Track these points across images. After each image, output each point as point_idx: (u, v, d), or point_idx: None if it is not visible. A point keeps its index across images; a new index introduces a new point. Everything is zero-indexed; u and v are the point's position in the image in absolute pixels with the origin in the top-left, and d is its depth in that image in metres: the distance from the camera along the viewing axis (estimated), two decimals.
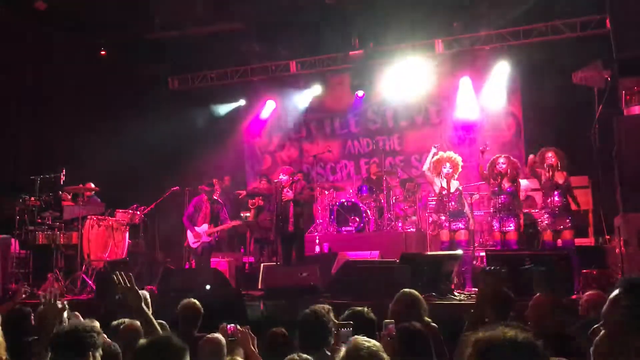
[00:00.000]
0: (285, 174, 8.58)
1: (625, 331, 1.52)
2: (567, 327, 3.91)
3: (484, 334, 1.57)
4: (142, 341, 2.69)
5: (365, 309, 3.80)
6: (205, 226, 9.00)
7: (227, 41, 12.10)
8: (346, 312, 3.76)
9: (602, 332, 1.58)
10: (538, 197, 8.62)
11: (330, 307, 3.76)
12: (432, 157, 8.15)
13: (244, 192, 9.39)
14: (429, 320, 4.19)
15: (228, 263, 9.72)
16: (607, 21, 9.06)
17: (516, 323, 3.73)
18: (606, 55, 8.08)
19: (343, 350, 2.17)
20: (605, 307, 1.60)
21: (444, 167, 7.91)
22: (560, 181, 7.25)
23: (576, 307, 4.37)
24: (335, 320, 3.81)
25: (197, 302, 4.74)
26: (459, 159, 8.13)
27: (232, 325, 4.02)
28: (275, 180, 8.73)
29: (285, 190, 8.44)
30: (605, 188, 7.75)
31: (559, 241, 7.26)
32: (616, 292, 1.59)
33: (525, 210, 8.30)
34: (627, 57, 7.35)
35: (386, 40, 11.56)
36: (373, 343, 2.19)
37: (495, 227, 7.68)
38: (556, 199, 7.21)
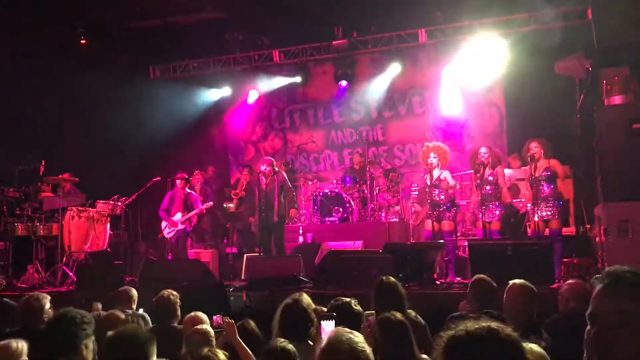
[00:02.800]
0: (267, 165, 8.59)
1: (613, 326, 1.51)
2: (540, 318, 3.93)
3: (451, 332, 1.55)
4: (110, 333, 2.67)
5: (352, 300, 3.74)
6: (178, 214, 9.15)
7: (209, 30, 11.98)
8: (332, 303, 3.69)
9: (592, 329, 1.56)
10: (522, 186, 8.68)
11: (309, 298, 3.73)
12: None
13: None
14: (412, 312, 4.19)
15: (211, 254, 9.70)
16: (589, 12, 9.12)
17: (497, 313, 3.77)
18: (588, 45, 8.14)
19: (324, 340, 2.15)
20: (591, 304, 1.58)
21: (429, 158, 7.92)
22: (541, 172, 7.28)
23: (556, 296, 4.41)
24: (318, 310, 3.79)
25: (174, 294, 4.69)
26: (445, 148, 8.12)
27: (218, 316, 4.01)
28: (258, 172, 8.72)
29: (267, 180, 8.42)
30: (586, 178, 7.81)
31: (547, 230, 7.29)
32: (599, 286, 1.57)
33: (509, 200, 8.36)
34: (608, 48, 7.40)
35: (369, 30, 11.54)
36: (355, 334, 2.17)
37: (479, 217, 7.72)
38: (545, 188, 7.22)
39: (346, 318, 3.36)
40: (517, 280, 3.95)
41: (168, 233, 9.21)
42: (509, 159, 9.87)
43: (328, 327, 2.44)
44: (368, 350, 2.10)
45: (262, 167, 8.62)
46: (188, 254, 9.23)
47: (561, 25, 10.25)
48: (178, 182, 9.33)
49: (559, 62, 8.77)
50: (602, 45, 7.46)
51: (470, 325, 1.54)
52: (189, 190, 9.43)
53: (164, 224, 9.27)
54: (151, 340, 2.55)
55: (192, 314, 4.24)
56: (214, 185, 11.32)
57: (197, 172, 10.54)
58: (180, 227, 9.13)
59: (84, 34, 11.91)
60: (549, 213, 7.17)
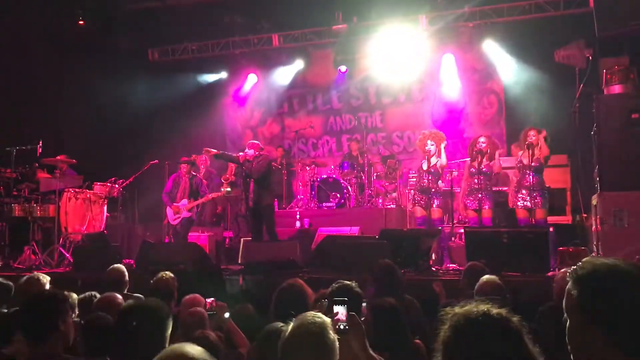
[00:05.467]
0: (251, 149, 8.45)
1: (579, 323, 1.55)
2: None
3: (458, 310, 1.59)
4: (130, 302, 2.72)
5: (353, 283, 3.74)
6: (184, 201, 8.99)
7: (208, 13, 11.90)
8: (334, 286, 3.68)
9: (568, 323, 1.60)
10: (512, 174, 8.70)
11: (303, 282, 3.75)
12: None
13: (216, 152, 9.09)
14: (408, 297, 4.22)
15: (208, 238, 9.69)
16: (591, 0, 9.06)
17: (486, 298, 3.79)
18: (588, 34, 8.10)
19: (289, 326, 2.16)
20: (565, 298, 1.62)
21: (427, 145, 7.93)
22: (534, 162, 7.32)
23: (551, 284, 4.44)
24: (324, 294, 3.78)
25: (172, 276, 4.70)
26: (442, 135, 8.14)
27: (211, 299, 4.03)
28: (240, 153, 8.56)
29: (249, 165, 8.33)
30: (583, 166, 7.82)
31: (532, 219, 7.36)
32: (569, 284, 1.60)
33: (498, 189, 8.38)
34: (609, 36, 7.36)
35: (370, 15, 11.46)
36: (322, 320, 2.17)
37: (470, 206, 7.76)
38: (530, 177, 7.30)
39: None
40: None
41: (174, 220, 9.04)
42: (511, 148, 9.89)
43: (340, 312, 2.45)
44: (333, 337, 2.12)
45: (247, 151, 8.44)
46: (190, 239, 9.16)
47: (562, 13, 10.21)
48: (183, 165, 9.15)
49: (559, 50, 8.74)
50: (602, 34, 7.42)
51: (472, 308, 1.57)
52: (194, 173, 9.30)
53: (169, 209, 9.10)
54: (169, 315, 2.61)
55: (191, 295, 4.26)
56: (214, 170, 11.32)
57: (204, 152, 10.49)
58: (186, 214, 9.00)
59: (82, 14, 11.81)
60: (533, 202, 7.26)
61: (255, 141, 9.00)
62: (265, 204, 8.33)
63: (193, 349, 1.77)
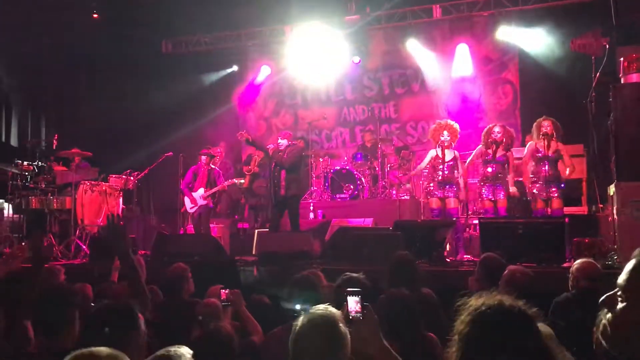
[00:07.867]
0: (284, 138, 8.54)
1: None
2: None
3: (475, 302, 1.59)
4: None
5: (361, 275, 3.73)
6: (201, 190, 9.23)
7: (221, 4, 11.90)
8: (342, 278, 3.68)
9: (623, 304, 1.56)
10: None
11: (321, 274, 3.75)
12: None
13: (248, 137, 9.03)
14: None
15: (222, 229, 9.77)
16: None
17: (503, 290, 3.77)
18: (605, 22, 7.99)
19: (299, 319, 2.16)
20: (624, 276, 1.56)
21: (442, 135, 7.90)
22: (550, 152, 7.27)
23: (567, 275, 4.40)
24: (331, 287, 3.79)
25: (184, 267, 4.72)
26: (457, 126, 8.10)
27: (225, 290, 4.08)
28: (270, 145, 8.67)
29: (280, 154, 8.39)
30: (599, 157, 7.73)
31: (548, 210, 7.31)
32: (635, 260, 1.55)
33: (516, 179, 8.31)
34: (626, 25, 7.26)
35: (383, 5, 11.39)
36: (333, 312, 2.17)
37: (485, 195, 7.72)
38: (546, 168, 7.25)
39: None
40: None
41: (191, 208, 9.29)
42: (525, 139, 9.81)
43: (353, 304, 2.44)
44: (344, 329, 2.12)
45: (280, 141, 8.54)
46: (211, 230, 9.28)
47: (578, 1, 10.08)
48: (203, 157, 9.37)
49: (575, 39, 8.63)
50: (620, 22, 7.32)
51: (487, 300, 1.58)
52: (212, 166, 9.50)
53: (187, 199, 9.32)
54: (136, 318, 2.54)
55: (216, 286, 4.30)
56: (228, 160, 11.38)
57: (222, 144, 10.61)
58: (202, 202, 9.20)
59: (96, 7, 11.87)
60: (549, 193, 7.21)
61: (288, 131, 9.14)
62: (292, 194, 8.38)
63: (100, 350, 1.72)
